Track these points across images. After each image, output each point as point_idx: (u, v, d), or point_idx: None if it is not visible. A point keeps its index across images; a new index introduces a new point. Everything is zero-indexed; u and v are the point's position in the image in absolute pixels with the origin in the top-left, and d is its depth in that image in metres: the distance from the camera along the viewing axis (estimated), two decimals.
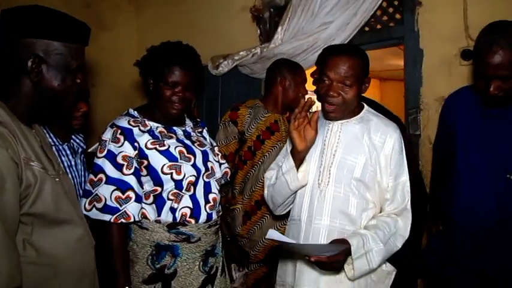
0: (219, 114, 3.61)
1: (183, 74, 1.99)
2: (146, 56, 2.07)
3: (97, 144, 1.98)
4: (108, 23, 3.93)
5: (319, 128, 1.96)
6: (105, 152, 1.90)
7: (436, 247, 2.27)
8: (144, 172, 1.93)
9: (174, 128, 2.07)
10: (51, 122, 1.98)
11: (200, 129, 2.26)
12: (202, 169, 2.04)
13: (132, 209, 1.87)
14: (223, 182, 2.21)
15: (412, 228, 1.88)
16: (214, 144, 2.33)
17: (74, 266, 1.47)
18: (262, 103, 2.79)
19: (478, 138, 2.04)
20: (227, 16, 3.73)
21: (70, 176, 1.99)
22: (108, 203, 1.85)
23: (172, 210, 1.95)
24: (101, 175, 1.87)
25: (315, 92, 2.51)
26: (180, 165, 1.95)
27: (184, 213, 1.95)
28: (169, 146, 1.97)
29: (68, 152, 2.04)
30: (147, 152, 1.93)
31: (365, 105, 1.99)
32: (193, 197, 1.99)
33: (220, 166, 2.18)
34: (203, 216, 1.99)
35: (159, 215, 1.95)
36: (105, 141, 1.92)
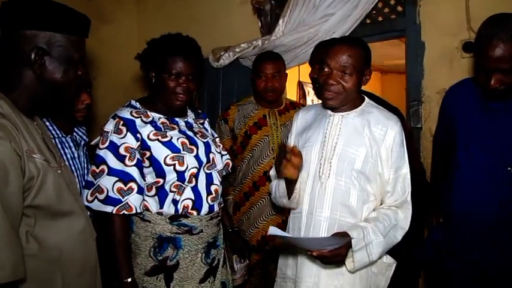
0: (220, 106, 3.61)
1: (186, 64, 1.99)
2: (148, 48, 2.07)
3: (99, 137, 1.98)
4: (109, 17, 3.92)
5: (319, 121, 1.97)
6: (108, 143, 1.90)
7: (436, 239, 2.27)
8: (147, 163, 1.93)
9: (176, 119, 2.08)
10: (54, 115, 1.98)
11: (202, 121, 2.26)
12: (204, 160, 2.04)
13: (134, 200, 1.88)
14: (224, 173, 2.22)
15: (413, 221, 1.89)
16: (216, 135, 2.34)
17: (76, 258, 1.48)
18: (255, 100, 2.89)
19: (478, 130, 2.04)
20: (228, 9, 3.72)
21: (73, 168, 2.00)
22: (110, 194, 1.85)
23: (175, 202, 1.95)
24: (103, 166, 1.87)
25: (313, 85, 2.53)
26: (183, 156, 1.96)
27: (186, 205, 1.96)
28: (171, 137, 1.97)
29: (71, 144, 2.04)
30: (149, 143, 1.93)
31: (366, 97, 1.99)
32: (195, 189, 1.99)
33: (222, 157, 2.19)
34: (205, 208, 2.00)
35: (161, 207, 1.95)
36: (108, 132, 1.92)
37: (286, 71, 2.90)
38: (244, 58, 3.46)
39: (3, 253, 1.18)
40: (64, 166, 1.54)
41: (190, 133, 2.07)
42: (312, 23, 3.11)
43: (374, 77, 3.73)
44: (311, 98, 6.42)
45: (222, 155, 2.20)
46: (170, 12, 4.00)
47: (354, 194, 1.85)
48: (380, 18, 3.11)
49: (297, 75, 6.06)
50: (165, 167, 1.92)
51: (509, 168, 1.94)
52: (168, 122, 2.03)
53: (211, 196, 2.03)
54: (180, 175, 1.95)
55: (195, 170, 1.98)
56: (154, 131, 1.96)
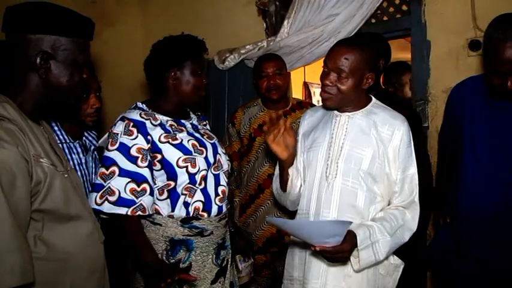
0: (226, 108, 3.61)
1: (204, 61, 2.08)
2: (164, 49, 2.08)
3: (104, 137, 1.99)
4: (113, 19, 3.93)
5: (326, 121, 1.96)
6: (117, 144, 1.89)
7: (443, 239, 2.26)
8: (158, 166, 1.94)
9: (183, 121, 2.09)
10: (62, 119, 1.99)
11: (204, 122, 2.28)
12: (212, 162, 2.05)
13: (147, 201, 1.89)
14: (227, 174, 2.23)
15: (420, 221, 1.88)
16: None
17: (85, 261, 1.48)
18: (261, 102, 2.87)
19: (484, 129, 2.03)
20: (233, 10, 3.71)
21: (80, 173, 1.99)
22: (123, 195, 1.85)
23: (186, 204, 1.96)
24: (114, 168, 1.87)
25: None
26: (195, 158, 1.97)
27: (197, 207, 1.97)
28: (182, 140, 1.99)
29: (79, 149, 2.04)
30: (160, 145, 1.93)
31: (373, 97, 1.98)
32: (204, 191, 2.00)
33: (226, 158, 2.20)
34: (214, 209, 2.01)
35: (172, 209, 1.96)
36: (117, 134, 1.92)
37: (292, 72, 2.90)
38: (249, 60, 3.46)
39: (12, 257, 1.18)
40: (71, 170, 1.54)
41: (197, 135, 2.08)
42: (317, 24, 3.10)
43: None
44: (317, 98, 6.41)
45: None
46: (174, 13, 4.00)
47: (361, 194, 1.84)
48: (385, 18, 3.10)
49: (303, 76, 6.06)
50: (177, 169, 1.93)
51: None
52: (176, 125, 2.03)
53: (219, 197, 2.04)
54: (192, 177, 1.96)
55: (205, 172, 1.99)
56: (165, 134, 1.96)
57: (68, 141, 2.00)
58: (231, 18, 3.72)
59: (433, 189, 2.58)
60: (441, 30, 2.83)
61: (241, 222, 2.79)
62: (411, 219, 1.85)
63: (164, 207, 1.96)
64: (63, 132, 1.99)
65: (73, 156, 2.00)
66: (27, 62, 1.37)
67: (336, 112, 1.95)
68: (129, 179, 1.87)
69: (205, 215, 1.99)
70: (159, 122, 1.99)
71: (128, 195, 1.85)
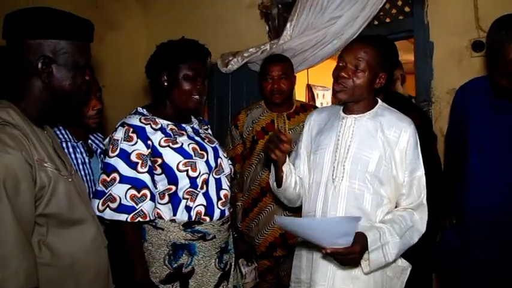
0: (229, 111, 3.61)
1: (200, 66, 2.04)
2: (160, 52, 2.08)
3: (106, 140, 1.99)
4: (116, 23, 3.94)
5: (332, 123, 1.95)
6: (118, 151, 1.89)
7: (450, 240, 2.26)
8: (159, 170, 1.93)
9: (183, 125, 2.08)
10: (65, 123, 1.99)
11: (205, 127, 2.28)
12: (213, 165, 2.05)
13: (147, 207, 1.88)
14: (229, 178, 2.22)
15: (428, 223, 1.87)
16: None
17: (89, 265, 1.48)
18: (265, 104, 2.85)
19: (490, 130, 2.03)
20: (235, 13, 3.72)
21: (83, 173, 2.00)
22: (123, 202, 1.85)
23: (188, 208, 1.95)
24: (114, 174, 1.87)
25: None
26: (195, 162, 1.96)
27: (199, 211, 1.96)
28: (182, 144, 1.98)
29: (83, 149, 2.04)
30: (160, 150, 1.93)
31: (379, 100, 1.98)
32: (206, 195, 1.99)
33: (228, 162, 2.20)
34: (217, 213, 2.00)
35: (174, 214, 1.95)
36: (117, 140, 1.91)
37: (295, 74, 2.88)
38: (252, 63, 3.45)
39: (16, 262, 1.18)
40: (75, 174, 1.55)
41: (198, 139, 2.07)
42: (319, 26, 3.10)
43: None
44: (320, 101, 6.40)
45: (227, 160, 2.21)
46: (177, 17, 4.00)
47: (367, 197, 1.84)
48: (388, 19, 3.10)
49: (306, 79, 6.06)
50: (177, 173, 1.93)
51: None
52: (176, 129, 2.03)
53: (221, 201, 2.03)
54: (193, 181, 1.95)
55: (206, 176, 1.99)
56: (165, 138, 1.96)
57: (72, 140, 2.00)
58: (233, 22, 3.73)
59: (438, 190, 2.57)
60: (444, 31, 2.83)
61: (244, 227, 2.77)
62: (420, 221, 1.85)
63: (166, 211, 1.96)
64: (67, 131, 1.99)
65: (77, 155, 2.00)
66: (29, 68, 1.38)
67: (342, 114, 1.95)
68: (130, 186, 1.87)
69: (208, 219, 1.98)
70: (159, 126, 1.99)
71: (128, 202, 1.85)
